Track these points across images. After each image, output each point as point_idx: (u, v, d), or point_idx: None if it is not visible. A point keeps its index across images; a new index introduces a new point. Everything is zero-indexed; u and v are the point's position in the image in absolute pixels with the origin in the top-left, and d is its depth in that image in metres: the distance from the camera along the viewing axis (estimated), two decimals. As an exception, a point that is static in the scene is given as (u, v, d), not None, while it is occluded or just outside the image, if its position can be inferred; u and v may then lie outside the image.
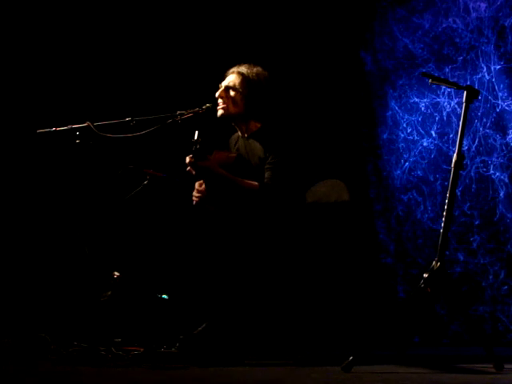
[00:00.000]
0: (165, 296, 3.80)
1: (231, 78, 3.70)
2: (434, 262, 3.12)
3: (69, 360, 3.35)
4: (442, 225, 3.15)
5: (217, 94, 3.70)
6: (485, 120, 4.88)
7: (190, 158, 3.49)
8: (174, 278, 3.92)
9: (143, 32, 5.18)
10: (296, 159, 3.63)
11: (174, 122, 3.63)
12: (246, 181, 3.55)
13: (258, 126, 3.72)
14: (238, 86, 3.67)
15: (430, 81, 3.29)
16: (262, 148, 3.63)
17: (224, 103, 3.68)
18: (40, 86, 4.93)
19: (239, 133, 3.80)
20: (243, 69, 3.71)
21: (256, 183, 3.55)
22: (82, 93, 4.98)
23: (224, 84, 3.71)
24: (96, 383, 2.69)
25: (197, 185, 3.67)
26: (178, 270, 3.86)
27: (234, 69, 3.73)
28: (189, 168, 3.52)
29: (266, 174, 3.56)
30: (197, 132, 3.48)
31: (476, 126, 4.91)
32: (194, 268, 3.70)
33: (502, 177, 4.81)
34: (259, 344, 3.90)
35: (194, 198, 3.67)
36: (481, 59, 4.91)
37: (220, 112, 3.69)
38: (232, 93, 3.68)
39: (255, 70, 3.70)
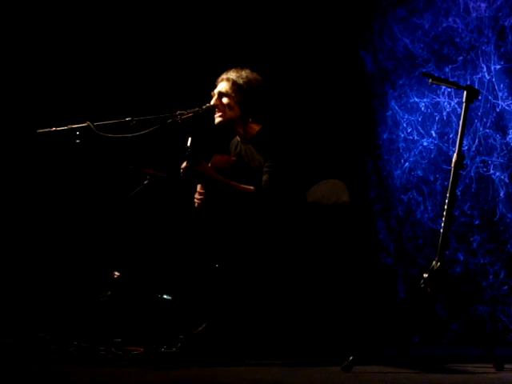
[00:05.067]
0: (168, 297, 3.80)
1: (222, 86, 3.72)
2: (434, 262, 3.12)
3: (69, 360, 3.35)
4: (442, 225, 3.15)
5: (211, 103, 3.71)
6: (485, 120, 4.88)
7: (186, 163, 3.50)
8: (174, 278, 3.92)
9: (143, 32, 5.18)
10: (295, 163, 3.64)
11: (173, 122, 3.64)
12: (242, 185, 3.56)
13: (257, 128, 3.73)
14: (229, 92, 3.69)
15: (430, 81, 3.29)
16: (262, 152, 3.63)
17: (220, 110, 3.70)
18: (40, 86, 4.93)
19: (238, 137, 3.80)
20: (231, 74, 3.73)
21: (252, 187, 3.55)
22: (82, 93, 4.97)
23: (216, 92, 3.72)
24: (96, 383, 2.69)
25: (198, 187, 3.68)
26: (179, 270, 3.86)
27: (223, 76, 3.75)
28: (182, 171, 3.52)
29: (264, 178, 3.57)
30: (190, 138, 3.50)
31: (476, 126, 4.91)
32: (195, 268, 3.70)
33: (502, 177, 4.81)
34: (259, 344, 3.90)
35: (195, 201, 3.67)
36: (481, 59, 4.91)
37: (218, 120, 3.70)
38: (225, 99, 3.70)
39: (243, 73, 3.72)
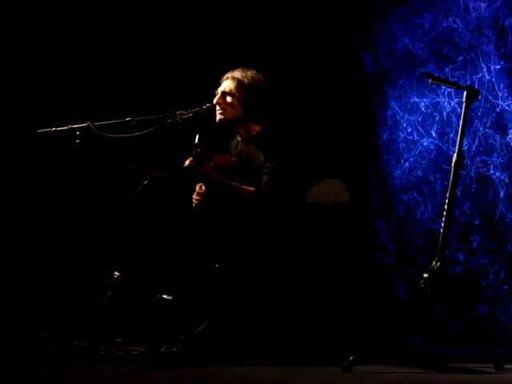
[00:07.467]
0: (168, 296, 3.80)
1: (226, 84, 3.72)
2: (434, 262, 3.12)
3: (69, 360, 3.35)
4: (442, 225, 3.15)
5: (214, 101, 3.71)
6: (485, 120, 4.88)
7: (190, 161, 3.50)
8: (174, 277, 3.92)
9: (143, 32, 5.18)
10: (295, 164, 3.64)
11: (173, 122, 3.64)
12: (243, 186, 3.56)
13: (258, 129, 3.73)
14: (234, 91, 3.68)
15: (430, 81, 3.29)
16: (262, 153, 3.63)
17: (222, 109, 3.69)
18: (40, 86, 4.93)
19: (239, 137, 3.81)
20: (237, 73, 3.72)
21: (252, 188, 3.55)
22: (82, 93, 4.98)
23: (220, 90, 3.72)
24: (96, 383, 2.69)
25: (197, 187, 3.68)
26: (179, 270, 3.86)
27: (228, 74, 3.75)
28: (185, 168, 3.52)
29: (264, 179, 3.57)
30: (198, 136, 3.49)
31: (476, 126, 4.91)
32: (195, 268, 3.70)
33: (502, 177, 4.81)
34: (259, 344, 3.90)
35: (193, 201, 3.67)
36: (481, 59, 4.91)
37: (219, 117, 3.70)
38: (229, 98, 3.69)
39: (249, 73, 3.72)
